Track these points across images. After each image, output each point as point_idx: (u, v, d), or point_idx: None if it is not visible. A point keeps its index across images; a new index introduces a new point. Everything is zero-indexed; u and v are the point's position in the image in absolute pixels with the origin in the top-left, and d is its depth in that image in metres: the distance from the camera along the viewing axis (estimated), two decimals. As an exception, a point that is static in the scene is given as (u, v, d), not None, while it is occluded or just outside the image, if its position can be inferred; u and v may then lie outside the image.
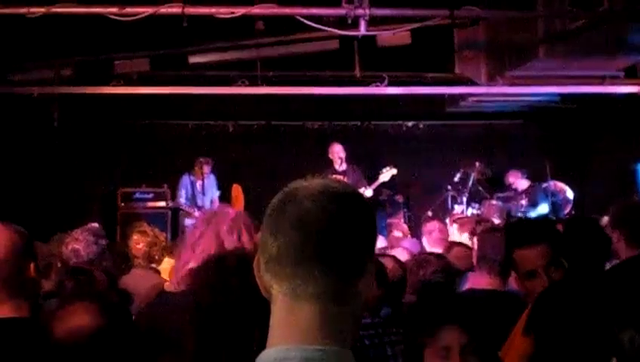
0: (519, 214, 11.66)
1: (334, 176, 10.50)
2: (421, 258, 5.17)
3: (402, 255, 5.87)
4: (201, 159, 11.94)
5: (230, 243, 3.26)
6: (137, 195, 12.54)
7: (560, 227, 4.26)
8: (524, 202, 11.99)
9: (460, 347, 2.86)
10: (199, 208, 11.58)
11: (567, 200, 12.13)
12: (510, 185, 12.50)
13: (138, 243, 6.24)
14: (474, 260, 4.86)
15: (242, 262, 2.55)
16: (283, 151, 13.01)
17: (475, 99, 12.16)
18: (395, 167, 11.91)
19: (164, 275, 5.90)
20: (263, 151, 13.14)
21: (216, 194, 12.23)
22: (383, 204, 12.55)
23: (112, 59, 10.48)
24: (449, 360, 2.87)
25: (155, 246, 6.29)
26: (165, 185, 12.45)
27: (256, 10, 8.38)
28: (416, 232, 10.51)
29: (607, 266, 4.15)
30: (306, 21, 8.39)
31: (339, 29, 8.75)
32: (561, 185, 12.16)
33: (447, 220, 10.09)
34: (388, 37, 9.53)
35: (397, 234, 9.84)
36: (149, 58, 10.62)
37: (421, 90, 11.02)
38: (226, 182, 12.45)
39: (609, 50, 9.63)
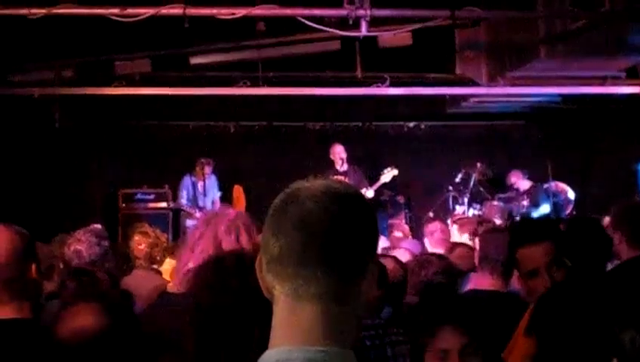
0: (520, 215, 11.66)
1: (335, 176, 10.50)
2: (422, 258, 5.17)
3: (404, 256, 5.87)
4: (202, 160, 11.95)
5: (228, 244, 3.26)
6: (138, 196, 12.55)
7: (561, 227, 4.27)
8: (525, 203, 12.00)
9: (459, 349, 2.85)
10: (200, 209, 11.59)
11: (568, 200, 12.13)
12: (512, 185, 12.51)
13: (139, 244, 6.23)
14: (476, 261, 4.86)
15: (240, 262, 2.55)
16: (284, 151, 13.01)
17: (476, 99, 12.16)
18: (396, 167, 11.91)
19: (166, 276, 5.91)
20: (265, 152, 13.15)
21: (218, 194, 12.24)
22: (385, 205, 12.56)
23: (113, 60, 10.49)
24: None
25: (157, 247, 6.29)
26: (166, 186, 12.46)
27: (257, 10, 8.38)
28: (417, 233, 10.51)
29: (609, 267, 4.15)
30: (307, 22, 8.40)
31: (340, 30, 8.75)
32: (562, 185, 12.16)
33: (449, 221, 10.09)
34: (389, 38, 9.53)
35: (397, 234, 9.84)
36: (150, 59, 10.62)
37: (422, 90, 11.03)
38: (228, 183, 12.46)
39: (610, 51, 9.63)
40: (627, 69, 10.74)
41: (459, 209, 12.23)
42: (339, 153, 11.87)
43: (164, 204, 12.43)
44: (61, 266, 5.26)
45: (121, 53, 10.46)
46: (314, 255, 1.47)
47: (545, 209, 11.81)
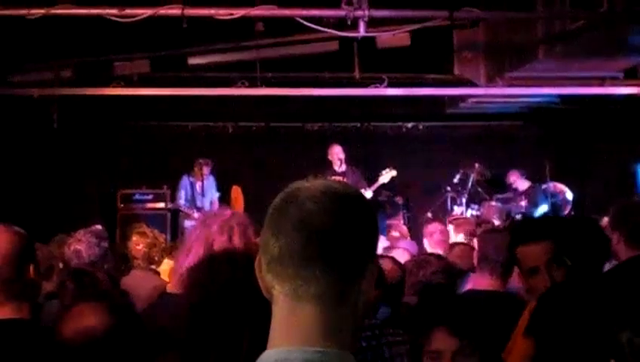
0: (519, 215, 11.67)
1: (334, 177, 10.50)
2: (421, 259, 5.18)
3: (403, 256, 5.87)
4: (200, 160, 11.95)
5: (220, 244, 3.26)
6: (137, 196, 12.55)
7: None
8: (523, 203, 12.01)
9: (453, 350, 2.86)
10: (199, 209, 11.59)
11: (566, 201, 12.14)
12: (511, 184, 12.52)
13: (138, 244, 6.24)
14: (474, 261, 4.86)
15: (230, 261, 2.55)
16: (282, 152, 13.02)
17: (474, 100, 12.17)
18: (394, 168, 11.91)
19: (164, 276, 5.91)
20: (263, 153, 13.15)
21: (216, 195, 12.23)
22: (383, 205, 12.56)
23: (111, 60, 10.49)
24: None
25: (155, 247, 6.29)
26: (165, 187, 12.46)
27: (255, 11, 8.38)
28: (415, 233, 10.51)
29: (607, 267, 4.15)
30: (305, 22, 8.40)
31: (338, 31, 8.76)
32: (560, 186, 12.18)
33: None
34: (387, 38, 9.52)
35: (394, 234, 9.85)
36: (148, 59, 10.62)
37: (421, 91, 11.03)
38: (226, 184, 12.46)
39: (609, 52, 9.64)
40: (626, 69, 10.74)
41: (457, 209, 12.25)
42: (337, 153, 11.87)
43: (162, 205, 12.44)
44: (60, 266, 5.27)
45: (120, 53, 10.46)
46: (314, 255, 1.47)
47: (543, 209, 11.83)
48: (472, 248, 6.02)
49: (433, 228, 7.49)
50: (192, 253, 3.27)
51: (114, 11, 8.00)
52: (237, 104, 12.02)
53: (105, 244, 5.47)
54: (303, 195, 1.51)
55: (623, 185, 12.10)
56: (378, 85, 10.42)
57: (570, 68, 10.31)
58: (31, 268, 2.95)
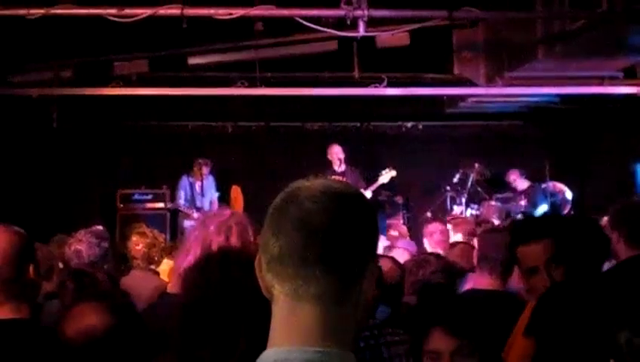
0: (518, 215, 11.67)
1: (333, 177, 10.50)
2: (420, 258, 5.18)
3: (402, 255, 5.88)
4: (200, 160, 11.95)
5: (217, 244, 3.26)
6: (136, 196, 12.55)
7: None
8: (523, 203, 12.02)
9: (451, 351, 2.86)
10: (198, 209, 11.59)
11: (566, 200, 12.15)
12: (510, 183, 12.52)
13: (137, 244, 6.23)
14: (474, 260, 4.86)
15: (224, 260, 2.55)
16: (282, 152, 13.02)
17: (474, 100, 12.17)
18: (394, 167, 11.90)
19: (163, 276, 5.92)
20: (262, 153, 13.16)
21: (216, 195, 12.23)
22: (382, 205, 12.56)
23: (111, 60, 10.48)
24: None
25: (154, 247, 6.29)
26: (164, 187, 12.46)
27: (255, 11, 8.38)
28: (415, 233, 10.51)
29: (606, 266, 4.16)
30: (304, 22, 8.40)
31: (337, 30, 8.75)
32: (560, 185, 12.18)
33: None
34: (387, 38, 9.52)
35: (393, 233, 9.85)
36: (148, 59, 10.61)
37: (420, 91, 11.03)
38: (225, 184, 12.46)
39: (608, 51, 9.63)
40: (625, 69, 10.74)
41: (457, 209, 12.26)
42: (336, 153, 11.87)
43: (161, 205, 12.44)
44: (60, 266, 5.27)
45: (120, 53, 10.45)
46: (314, 255, 1.47)
47: (543, 209, 11.83)
48: (473, 247, 6.02)
49: (433, 227, 7.49)
50: (191, 254, 3.27)
51: (113, 11, 8.00)
52: (236, 104, 12.02)
53: (105, 245, 5.47)
54: (303, 195, 1.51)
55: (623, 185, 12.10)
56: (377, 85, 10.42)
57: (570, 67, 10.31)
58: (31, 268, 2.96)
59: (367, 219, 1.55)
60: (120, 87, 10.38)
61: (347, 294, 1.50)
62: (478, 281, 4.60)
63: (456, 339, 2.86)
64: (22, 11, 7.92)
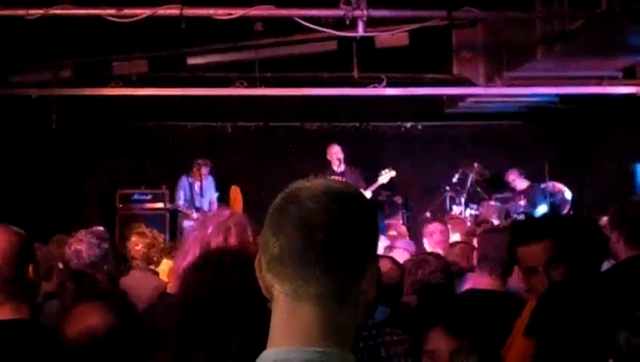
0: (517, 215, 11.68)
1: (333, 177, 10.49)
2: (420, 258, 5.17)
3: (402, 255, 5.89)
4: (199, 160, 11.95)
5: (216, 245, 3.26)
6: (136, 197, 12.55)
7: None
8: (522, 203, 12.02)
9: (450, 350, 2.87)
10: (197, 210, 11.59)
11: (565, 200, 12.16)
12: (510, 183, 12.52)
13: (137, 244, 6.24)
14: (474, 261, 4.86)
15: (219, 261, 2.55)
16: (281, 152, 13.01)
17: (473, 100, 12.17)
18: (393, 167, 11.91)
19: (163, 277, 5.92)
20: (262, 153, 13.15)
21: (215, 195, 12.23)
22: (382, 205, 12.56)
23: (110, 60, 10.48)
24: None
25: (154, 247, 6.29)
26: (164, 187, 12.47)
27: (254, 11, 8.37)
28: (414, 233, 10.51)
29: (606, 266, 4.16)
30: (304, 22, 8.39)
31: (337, 31, 8.75)
32: (559, 185, 12.19)
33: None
34: (386, 38, 9.51)
35: (391, 233, 9.86)
36: (147, 59, 10.61)
37: (419, 91, 11.02)
38: (225, 184, 12.46)
39: (607, 51, 9.63)
40: (625, 69, 10.74)
41: (456, 209, 12.26)
42: (336, 153, 11.87)
43: (161, 205, 12.44)
44: (60, 266, 5.27)
45: (119, 53, 10.45)
46: (314, 255, 1.47)
47: (542, 209, 11.84)
48: (473, 247, 6.03)
49: (433, 228, 7.50)
50: (190, 254, 3.28)
51: (112, 11, 8.00)
52: (236, 104, 12.02)
53: (105, 245, 5.47)
54: (304, 195, 1.51)
55: (622, 185, 12.10)
56: (377, 85, 10.42)
57: (569, 67, 10.31)
58: (30, 268, 2.95)
59: (368, 220, 1.55)
60: (119, 87, 10.39)
61: (347, 294, 1.50)
62: (477, 281, 4.60)
63: (456, 339, 2.87)
64: (21, 11, 7.91)
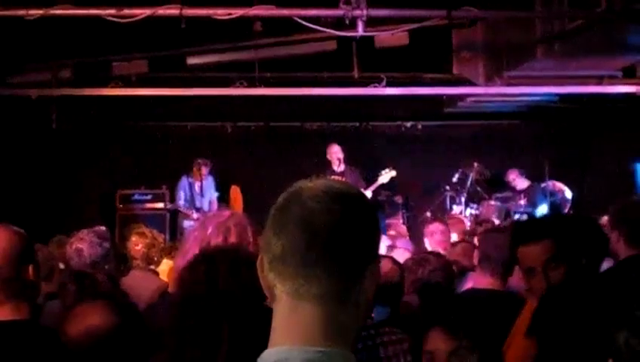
0: (517, 214, 11.68)
1: (333, 177, 10.49)
2: (420, 257, 5.18)
3: (403, 255, 5.89)
4: (199, 160, 11.95)
5: (216, 245, 3.26)
6: (136, 197, 12.55)
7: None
8: (522, 202, 12.03)
9: (449, 351, 2.87)
10: (198, 210, 11.59)
11: (565, 199, 12.16)
12: (510, 183, 12.53)
13: (137, 244, 6.24)
14: (474, 260, 4.86)
15: (213, 260, 2.55)
16: (281, 152, 13.01)
17: (473, 99, 12.16)
18: (393, 167, 11.90)
19: (163, 277, 5.92)
20: (262, 153, 13.16)
21: (215, 195, 12.23)
22: (382, 205, 12.56)
23: (110, 60, 10.47)
24: None
25: (154, 247, 6.29)
26: (164, 187, 12.46)
27: (254, 11, 8.38)
28: (415, 233, 10.51)
29: (606, 266, 4.16)
30: (303, 22, 8.39)
31: (337, 30, 8.75)
32: (559, 185, 12.20)
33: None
34: (386, 38, 9.51)
35: (391, 233, 9.87)
36: (147, 59, 10.60)
37: (419, 90, 11.02)
38: (225, 184, 12.46)
39: (607, 50, 9.64)
40: (624, 68, 10.74)
41: (456, 208, 12.27)
42: (336, 153, 11.87)
43: (161, 205, 12.44)
44: (60, 266, 5.26)
45: (119, 53, 10.45)
46: (315, 254, 1.47)
47: (542, 208, 11.84)
48: (474, 246, 6.03)
49: (434, 227, 7.50)
50: (190, 254, 3.27)
51: (112, 12, 8.00)
52: (236, 104, 12.02)
53: (107, 245, 5.46)
54: (306, 195, 1.52)
55: (622, 184, 12.10)
56: (377, 85, 10.41)
57: (569, 67, 10.31)
58: (30, 268, 2.95)
59: (369, 220, 1.55)
60: (119, 87, 10.38)
61: (348, 294, 1.50)
62: (478, 280, 4.60)
63: (455, 340, 2.87)
64: (21, 12, 7.92)
